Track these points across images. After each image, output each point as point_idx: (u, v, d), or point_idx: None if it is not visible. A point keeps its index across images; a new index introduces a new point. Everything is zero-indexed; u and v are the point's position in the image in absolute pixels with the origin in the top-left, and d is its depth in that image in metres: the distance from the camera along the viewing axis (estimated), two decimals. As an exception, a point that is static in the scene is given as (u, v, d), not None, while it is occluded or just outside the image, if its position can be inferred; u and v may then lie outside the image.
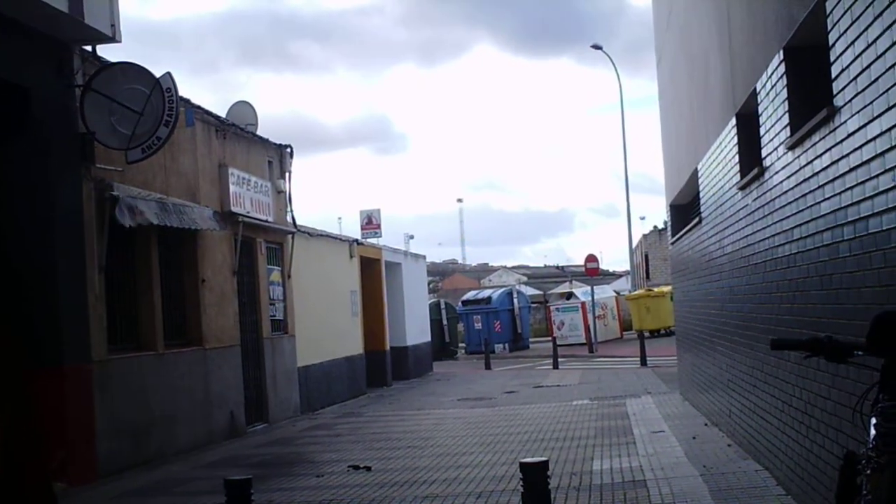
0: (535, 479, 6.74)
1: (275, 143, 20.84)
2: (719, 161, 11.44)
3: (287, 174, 21.22)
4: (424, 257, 37.42)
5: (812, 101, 7.21)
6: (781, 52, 7.70)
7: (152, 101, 13.14)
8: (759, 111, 8.82)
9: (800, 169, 7.37)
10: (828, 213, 6.61)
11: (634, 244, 55.81)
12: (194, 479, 12.70)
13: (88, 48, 13.16)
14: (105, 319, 13.27)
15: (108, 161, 13.39)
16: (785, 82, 7.74)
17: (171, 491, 11.83)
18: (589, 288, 44.73)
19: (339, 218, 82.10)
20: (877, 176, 5.53)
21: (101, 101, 12.91)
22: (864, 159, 5.74)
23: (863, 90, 5.66)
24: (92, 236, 13.00)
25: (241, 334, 18.02)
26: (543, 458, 6.99)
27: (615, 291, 54.17)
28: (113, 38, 12.90)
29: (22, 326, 11.34)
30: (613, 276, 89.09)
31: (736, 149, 10.25)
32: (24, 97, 11.74)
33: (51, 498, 6.86)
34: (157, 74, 13.30)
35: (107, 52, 13.51)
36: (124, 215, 13.34)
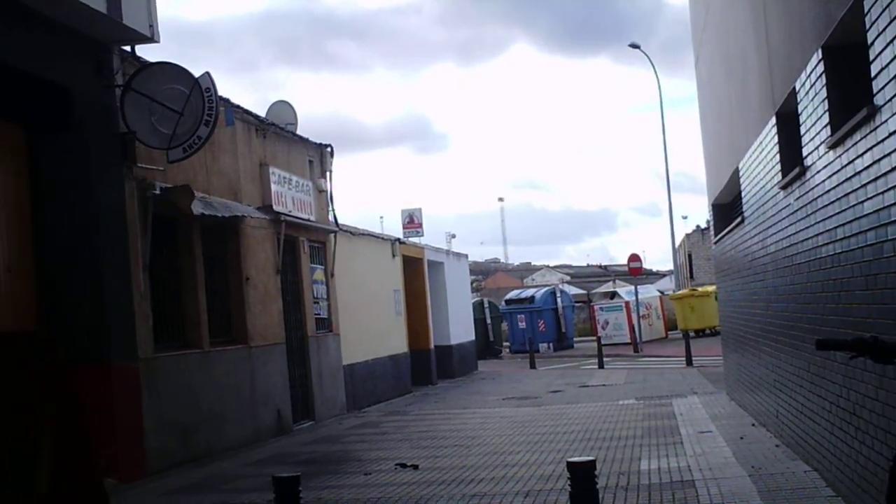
0: (582, 478, 6.73)
1: (315, 143, 20.97)
2: (760, 160, 11.40)
3: (328, 173, 21.33)
4: (466, 256, 37.46)
5: (852, 100, 7.16)
6: (820, 51, 7.66)
7: (192, 100, 13.21)
8: (799, 110, 8.79)
9: (841, 168, 7.34)
10: (871, 213, 6.58)
11: (677, 243, 55.53)
12: (242, 476, 12.81)
13: (127, 48, 13.24)
14: (151, 318, 13.39)
15: (149, 160, 13.51)
16: (824, 81, 7.70)
17: (220, 488, 11.92)
18: (632, 287, 44.58)
19: (381, 217, 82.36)
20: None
21: (141, 100, 13.00)
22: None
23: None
24: (135, 235, 13.12)
25: (285, 332, 18.16)
26: (591, 458, 6.98)
27: (659, 291, 53.96)
28: (151, 39, 12.98)
29: (69, 325, 11.50)
30: (657, 275, 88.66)
31: (776, 148, 10.21)
32: (66, 96, 11.86)
33: (101, 494, 6.99)
34: (196, 74, 13.40)
35: (145, 52, 13.65)
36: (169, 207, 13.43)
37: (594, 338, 39.26)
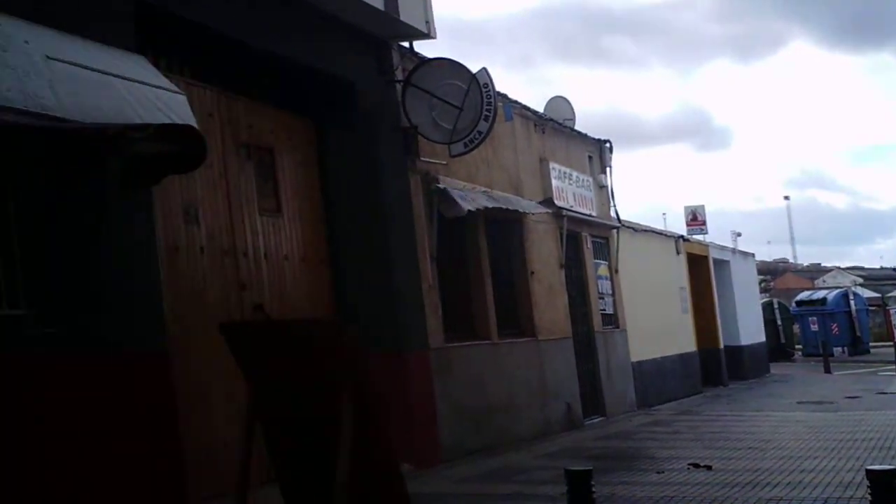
0: (883, 487, 6.35)
1: (593, 138, 20.75)
2: None
3: (608, 169, 21.10)
4: (753, 255, 36.32)
5: None
6: None
7: (470, 95, 13.29)
8: None
9: None
10: None
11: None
12: (535, 468, 12.66)
13: (405, 44, 13.47)
14: (440, 308, 13.50)
15: (431, 154, 13.66)
16: None
17: (512, 479, 11.81)
18: (932, 292, 42.04)
19: (664, 214, 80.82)
20: None
21: (422, 95, 13.18)
22: None
23: None
24: (422, 227, 13.28)
25: (572, 327, 18.00)
26: (892, 467, 6.62)
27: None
28: (428, 35, 13.18)
29: (361, 314, 11.73)
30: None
31: None
32: (350, 91, 12.18)
33: (399, 479, 7.03)
34: (473, 70, 13.47)
35: (423, 48, 13.83)
36: (456, 204, 13.54)
37: (891, 343, 37.18)
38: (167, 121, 7.50)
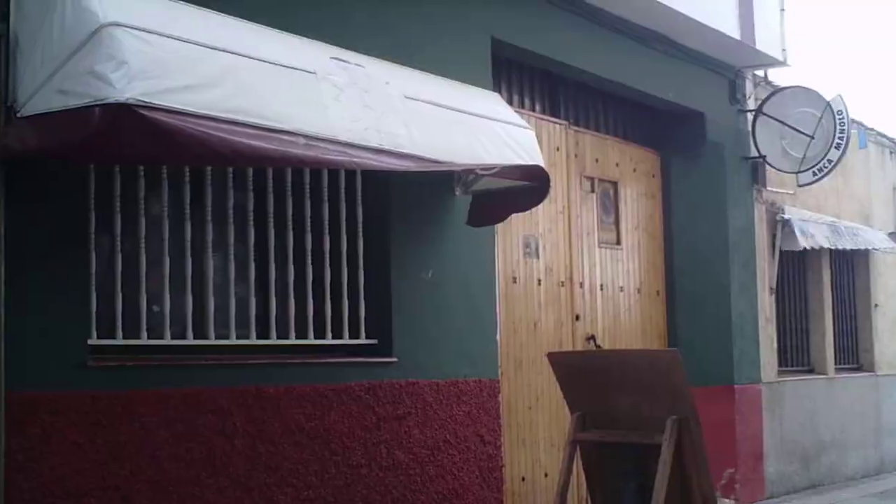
0: None
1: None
2: None
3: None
4: None
5: None
6: None
7: (823, 123, 12.50)
8: None
9: None
10: None
11: None
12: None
13: (759, 73, 12.89)
14: (775, 341, 12.88)
15: (778, 184, 13.00)
16: None
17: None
18: None
19: None
20: None
21: (772, 124, 12.54)
22: None
23: None
24: (764, 258, 12.69)
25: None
26: None
27: None
28: (783, 63, 12.57)
29: (696, 345, 11.29)
30: None
31: None
32: (699, 121, 11.76)
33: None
34: (827, 97, 12.68)
35: (777, 75, 13.23)
36: (794, 239, 12.89)
37: None
38: (514, 156, 7.36)
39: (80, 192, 5.60)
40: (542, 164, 7.54)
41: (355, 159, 6.01)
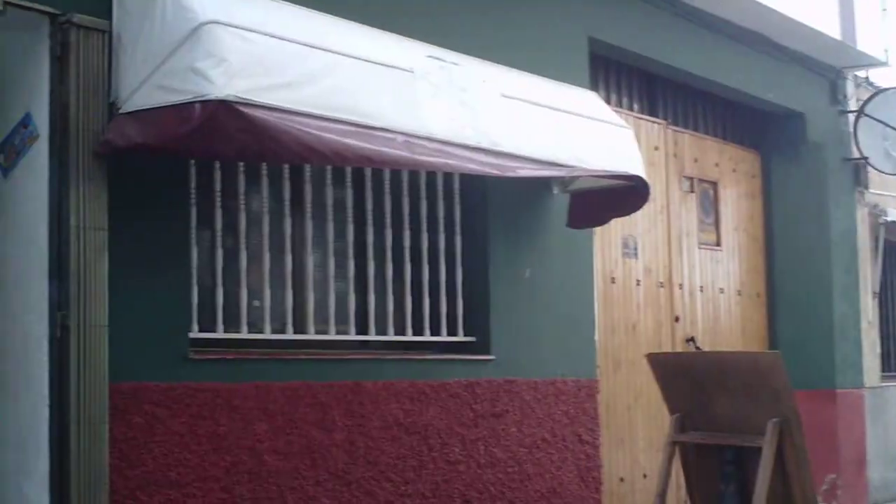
0: None
1: None
2: None
3: None
4: None
5: None
6: None
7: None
8: None
9: None
10: None
11: None
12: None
13: (861, 74, 12.54)
14: (878, 345, 12.49)
15: (881, 186, 12.64)
16: None
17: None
18: None
19: None
20: None
21: (874, 126, 12.14)
22: None
23: None
24: (866, 261, 12.32)
25: None
26: None
27: None
28: (885, 63, 12.22)
29: (797, 348, 10.97)
30: None
31: None
32: (800, 122, 11.48)
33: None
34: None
35: (879, 76, 12.82)
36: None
37: None
38: (613, 159, 7.21)
39: (181, 187, 5.59)
40: (642, 169, 7.39)
41: (451, 161, 5.92)
